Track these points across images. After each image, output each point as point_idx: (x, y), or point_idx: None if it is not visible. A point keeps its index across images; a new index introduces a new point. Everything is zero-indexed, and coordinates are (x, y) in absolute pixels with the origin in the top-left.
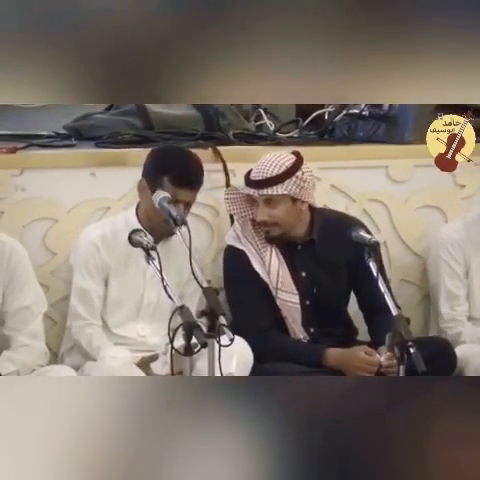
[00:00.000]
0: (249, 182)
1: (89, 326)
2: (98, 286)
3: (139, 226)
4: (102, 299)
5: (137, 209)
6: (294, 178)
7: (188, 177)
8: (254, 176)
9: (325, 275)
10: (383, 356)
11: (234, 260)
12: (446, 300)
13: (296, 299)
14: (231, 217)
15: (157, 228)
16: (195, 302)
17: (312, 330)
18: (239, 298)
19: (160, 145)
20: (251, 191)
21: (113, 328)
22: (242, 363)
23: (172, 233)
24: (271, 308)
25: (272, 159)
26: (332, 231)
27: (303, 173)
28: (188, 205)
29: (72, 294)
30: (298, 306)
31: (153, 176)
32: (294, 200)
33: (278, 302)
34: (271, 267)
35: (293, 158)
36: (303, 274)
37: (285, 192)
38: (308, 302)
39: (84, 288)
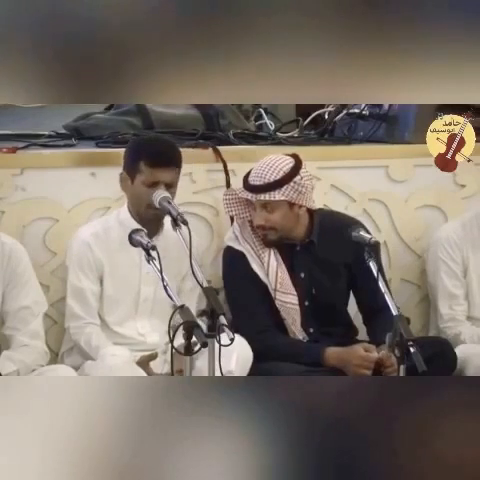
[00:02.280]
0: (247, 186)
1: (87, 326)
2: (93, 284)
3: (132, 220)
4: (98, 297)
5: (128, 206)
6: (292, 183)
7: (162, 157)
8: (252, 180)
9: (324, 276)
10: (381, 353)
11: (233, 261)
12: (445, 300)
13: (295, 300)
14: (231, 217)
15: (145, 217)
16: (193, 299)
17: (311, 331)
18: (238, 299)
19: (134, 138)
20: (249, 195)
21: (112, 326)
22: (242, 360)
23: (161, 219)
24: (270, 309)
25: (271, 163)
26: (332, 232)
27: (301, 178)
28: (170, 186)
29: (68, 294)
30: (297, 307)
31: (131, 165)
32: (292, 205)
33: (277, 303)
34: (270, 268)
35: (292, 162)
36: (302, 275)
37: (282, 198)
38: (307, 303)
39: (79, 287)
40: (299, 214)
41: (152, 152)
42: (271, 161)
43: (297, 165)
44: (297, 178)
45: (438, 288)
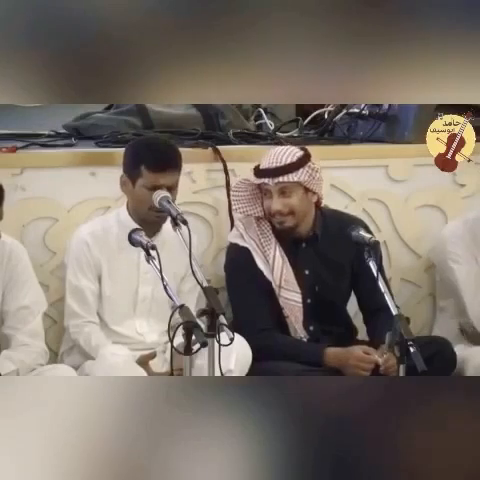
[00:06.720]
0: (262, 172)
1: (87, 325)
2: (92, 283)
3: (131, 222)
4: (97, 296)
5: (127, 206)
6: (306, 167)
7: (162, 161)
8: (270, 163)
9: (328, 273)
10: (381, 356)
11: (237, 258)
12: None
13: (299, 298)
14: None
15: (146, 219)
16: (193, 299)
17: (312, 329)
18: (241, 296)
19: (134, 139)
20: (265, 180)
21: (111, 325)
22: (241, 360)
23: (162, 222)
24: (273, 307)
25: (284, 149)
26: (335, 230)
27: (313, 164)
28: (171, 189)
29: (67, 293)
30: (300, 305)
31: (132, 168)
32: (306, 190)
33: (281, 300)
34: (275, 265)
35: (302, 151)
36: (306, 272)
37: (300, 179)
38: (309, 300)
39: (78, 286)
40: (311, 203)
41: (153, 156)
42: (283, 148)
43: (307, 154)
44: (310, 163)
45: (454, 279)
